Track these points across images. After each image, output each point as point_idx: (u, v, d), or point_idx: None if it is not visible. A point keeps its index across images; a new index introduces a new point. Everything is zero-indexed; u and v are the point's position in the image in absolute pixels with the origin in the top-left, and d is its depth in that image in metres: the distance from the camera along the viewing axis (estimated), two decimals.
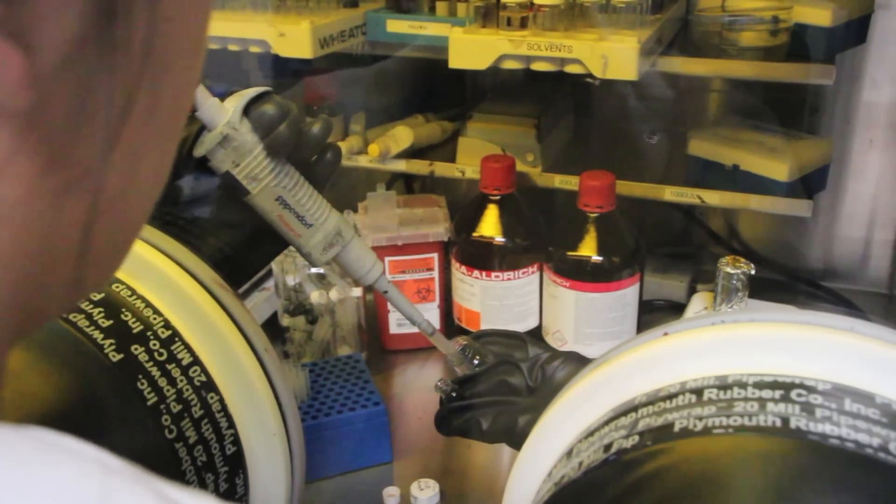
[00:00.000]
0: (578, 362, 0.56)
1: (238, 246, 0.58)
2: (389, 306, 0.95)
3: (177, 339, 0.47)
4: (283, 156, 0.53)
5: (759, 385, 0.33)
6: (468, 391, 0.58)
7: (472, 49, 0.84)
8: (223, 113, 0.51)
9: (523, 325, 0.93)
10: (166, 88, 0.23)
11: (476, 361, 0.60)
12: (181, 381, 0.46)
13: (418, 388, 0.93)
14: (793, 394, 0.32)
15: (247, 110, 0.51)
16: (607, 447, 0.34)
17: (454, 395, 0.58)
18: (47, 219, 0.21)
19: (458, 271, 0.92)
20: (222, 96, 0.52)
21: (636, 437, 0.33)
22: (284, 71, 0.98)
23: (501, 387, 0.57)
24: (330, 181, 0.58)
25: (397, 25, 0.92)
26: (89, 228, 0.22)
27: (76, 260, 0.23)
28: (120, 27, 0.20)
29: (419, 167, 1.00)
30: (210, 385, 0.47)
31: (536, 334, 0.93)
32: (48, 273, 0.22)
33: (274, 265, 0.90)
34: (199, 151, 0.51)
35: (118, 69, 0.21)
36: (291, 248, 0.88)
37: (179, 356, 0.46)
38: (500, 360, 0.58)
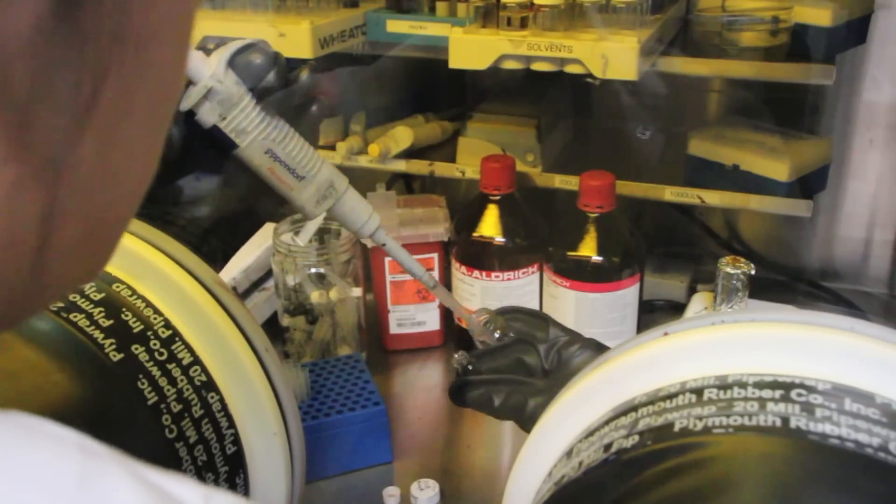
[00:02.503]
0: (596, 349, 0.56)
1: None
2: (389, 306, 0.95)
3: (177, 338, 0.47)
4: (272, 107, 0.51)
5: (759, 385, 0.33)
6: (484, 365, 0.58)
7: (472, 49, 0.84)
8: (207, 65, 0.50)
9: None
10: (147, 77, 0.23)
11: (497, 335, 0.60)
12: (181, 380, 0.46)
13: (418, 388, 0.93)
14: (793, 394, 0.32)
15: (232, 62, 0.50)
16: (607, 447, 0.34)
17: (470, 368, 0.58)
18: (2, 210, 0.20)
19: (458, 271, 0.92)
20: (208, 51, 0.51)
21: (636, 437, 0.33)
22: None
23: (517, 365, 0.57)
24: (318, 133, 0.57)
25: (397, 25, 0.92)
26: (49, 222, 0.21)
27: (34, 255, 0.21)
28: (87, 10, 0.20)
29: (419, 167, 1.00)
30: (210, 385, 0.47)
31: None
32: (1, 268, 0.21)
33: (274, 265, 0.90)
34: (184, 105, 0.50)
35: (85, 55, 0.20)
36: (291, 247, 0.88)
37: (180, 356, 0.46)
38: (518, 339, 0.58)
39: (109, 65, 0.21)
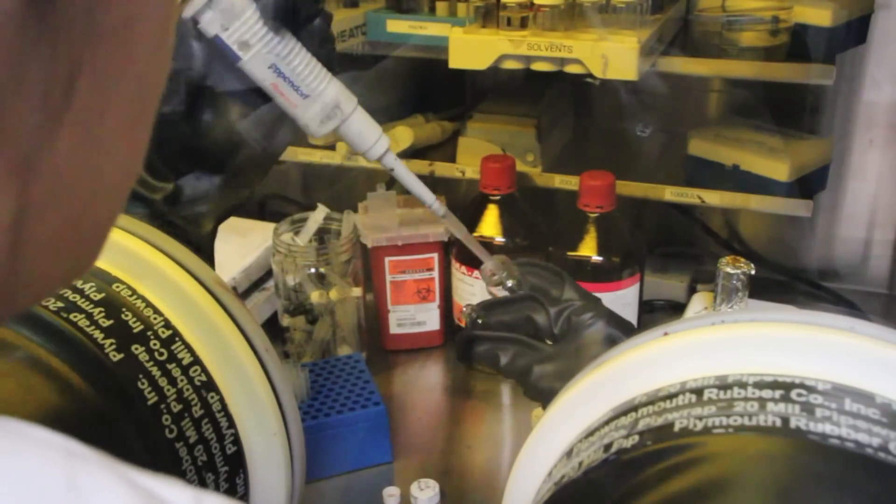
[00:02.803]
0: (608, 319, 0.55)
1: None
2: (389, 306, 0.95)
3: (177, 338, 0.47)
4: (276, 19, 0.51)
5: (759, 385, 0.33)
6: (493, 318, 0.57)
7: (472, 49, 0.84)
8: None
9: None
10: (125, 70, 0.22)
11: (510, 284, 0.59)
12: (181, 380, 0.46)
13: (418, 388, 0.93)
14: (793, 394, 0.32)
15: None
16: (607, 447, 0.34)
17: (479, 321, 0.57)
18: None
19: (458, 271, 0.92)
20: None
21: (636, 437, 0.33)
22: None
23: (526, 322, 0.56)
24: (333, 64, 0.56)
25: (397, 25, 0.92)
26: (23, 220, 0.21)
27: (7, 252, 0.21)
28: (58, 3, 0.19)
29: (419, 167, 1.00)
30: (210, 385, 0.47)
31: None
32: None
33: (274, 265, 0.90)
34: (186, 13, 0.49)
35: (58, 50, 0.20)
36: (291, 247, 0.88)
37: (180, 356, 0.46)
38: (528, 295, 0.57)
39: (83, 59, 0.20)
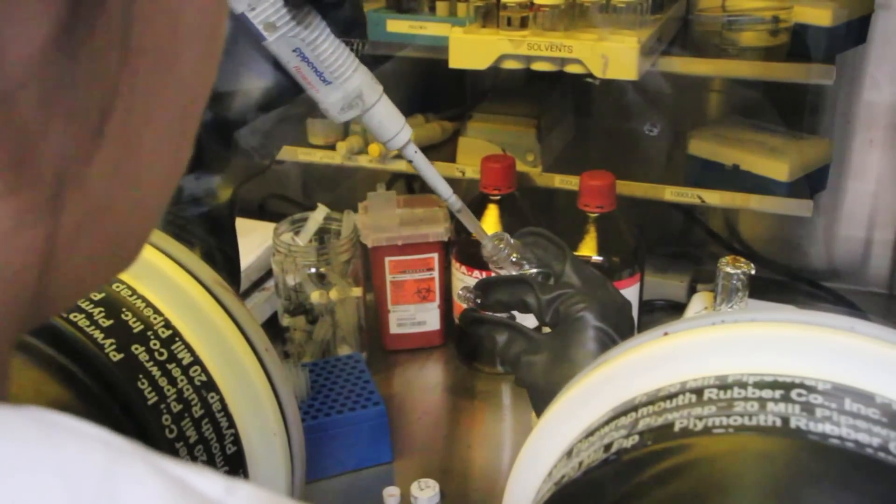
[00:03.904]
0: (601, 310, 0.54)
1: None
2: (389, 306, 0.95)
3: (177, 338, 0.47)
4: (306, 3, 0.50)
5: (760, 385, 0.33)
6: (491, 298, 0.58)
7: (472, 49, 0.84)
8: None
9: (524, 323, 0.93)
10: (168, 86, 0.22)
11: (514, 259, 0.59)
12: (181, 380, 0.46)
13: (418, 388, 0.93)
14: (793, 393, 0.32)
15: None
16: (607, 447, 0.34)
17: (478, 301, 0.58)
18: (1, 248, 0.19)
19: (458, 271, 0.92)
20: None
21: (636, 437, 0.33)
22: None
23: (520, 305, 0.57)
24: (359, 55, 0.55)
25: (397, 25, 0.92)
26: (52, 253, 0.20)
27: (35, 285, 0.20)
28: (96, 25, 0.18)
29: None
30: (210, 385, 0.47)
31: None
32: None
33: (274, 265, 0.90)
34: None
35: (95, 73, 0.19)
36: (291, 247, 0.88)
37: (180, 356, 0.46)
38: (522, 278, 0.57)
39: (121, 80, 0.20)
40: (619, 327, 0.54)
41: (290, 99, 0.57)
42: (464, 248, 0.91)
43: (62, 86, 0.18)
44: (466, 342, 0.57)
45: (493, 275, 0.60)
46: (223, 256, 0.58)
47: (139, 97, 0.21)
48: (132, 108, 0.21)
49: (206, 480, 0.19)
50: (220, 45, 0.24)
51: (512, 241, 0.59)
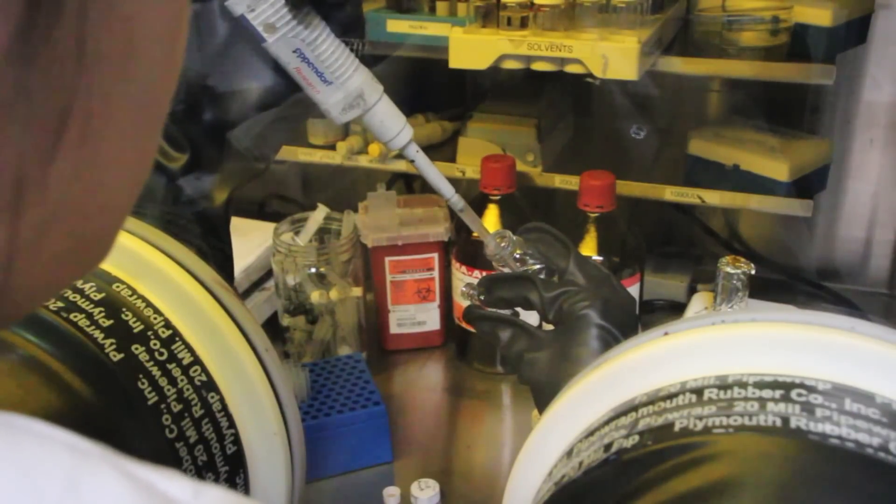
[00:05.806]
0: (604, 308, 0.53)
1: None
2: (389, 306, 0.95)
3: (177, 338, 0.47)
4: (305, 4, 0.50)
5: (760, 385, 0.33)
6: (495, 294, 0.58)
7: (473, 49, 0.84)
8: None
9: (527, 320, 0.93)
10: (129, 88, 0.22)
11: (517, 256, 0.59)
12: (182, 380, 0.46)
13: (418, 388, 0.93)
14: (793, 393, 0.32)
15: None
16: (607, 447, 0.34)
17: (482, 298, 0.58)
18: None
19: (458, 271, 0.92)
20: None
21: (636, 437, 0.33)
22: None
23: (523, 302, 0.57)
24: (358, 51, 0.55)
25: (397, 25, 0.92)
26: (12, 256, 0.20)
27: None
28: (53, 29, 0.19)
29: None
30: (210, 385, 0.47)
31: None
32: None
33: (274, 265, 0.90)
34: None
35: (52, 76, 0.19)
36: (291, 247, 0.88)
37: (180, 356, 0.46)
38: (525, 275, 0.57)
39: (79, 86, 0.20)
40: (623, 325, 0.54)
41: (284, 100, 0.57)
42: (464, 247, 0.91)
43: (19, 92, 0.19)
44: (466, 342, 0.57)
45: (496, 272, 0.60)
46: (223, 256, 0.58)
47: (97, 102, 0.21)
48: (91, 112, 0.21)
49: (173, 484, 0.19)
50: (181, 50, 0.24)
51: (514, 238, 0.59)
